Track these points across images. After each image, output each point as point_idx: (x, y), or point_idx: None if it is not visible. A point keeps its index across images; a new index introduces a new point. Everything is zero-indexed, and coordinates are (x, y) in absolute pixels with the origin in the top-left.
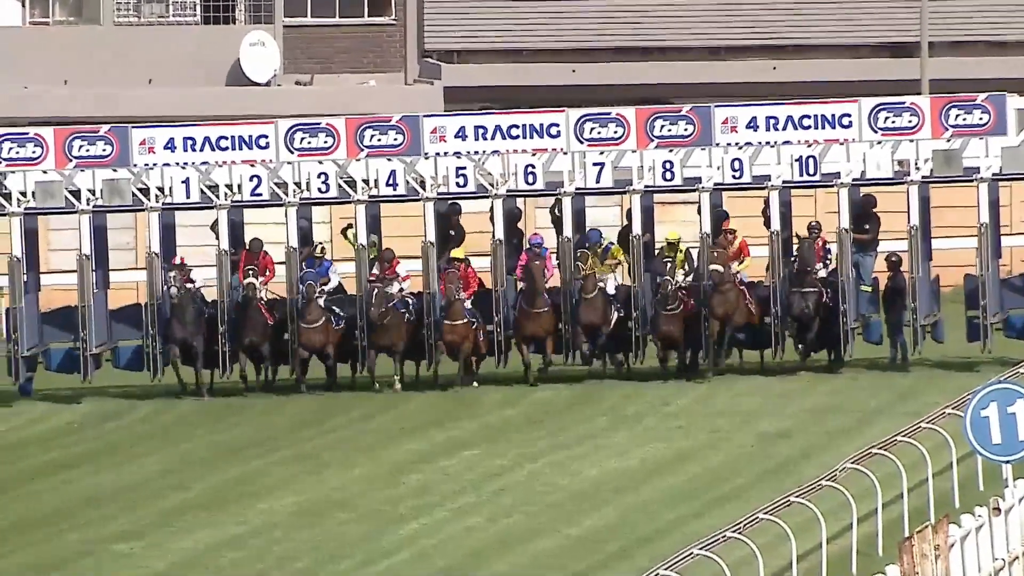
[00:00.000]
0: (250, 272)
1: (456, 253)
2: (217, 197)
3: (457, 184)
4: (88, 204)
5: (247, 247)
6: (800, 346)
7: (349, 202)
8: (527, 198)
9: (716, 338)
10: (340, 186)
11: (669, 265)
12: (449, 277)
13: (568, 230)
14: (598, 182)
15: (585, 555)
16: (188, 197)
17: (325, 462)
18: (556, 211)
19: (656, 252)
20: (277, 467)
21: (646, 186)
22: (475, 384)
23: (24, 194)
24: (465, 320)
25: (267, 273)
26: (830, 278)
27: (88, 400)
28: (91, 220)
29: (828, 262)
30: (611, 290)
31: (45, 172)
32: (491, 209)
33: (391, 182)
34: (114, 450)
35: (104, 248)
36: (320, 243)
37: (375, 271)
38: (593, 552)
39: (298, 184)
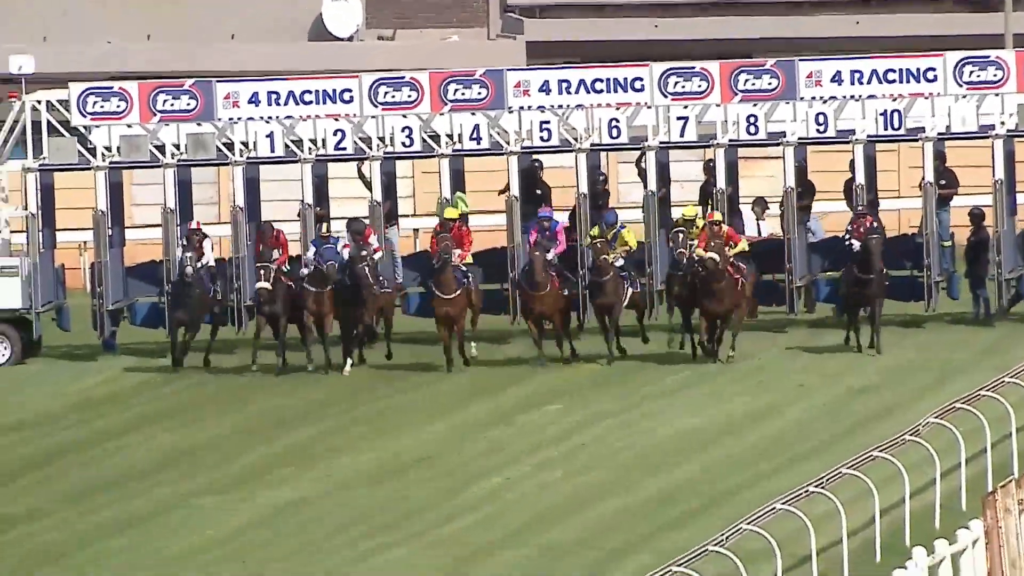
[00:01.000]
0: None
1: (450, 213)
2: (301, 151)
3: (541, 138)
4: (172, 158)
5: (259, 229)
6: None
7: (433, 156)
8: (611, 152)
9: (708, 334)
10: (424, 140)
11: (681, 236)
12: (440, 240)
13: (652, 184)
14: (682, 136)
15: (664, 511)
16: (272, 151)
17: (402, 422)
18: (641, 164)
19: (673, 227)
20: (355, 426)
21: (730, 140)
22: (473, 349)
23: (109, 148)
24: (458, 292)
25: (281, 253)
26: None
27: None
28: (175, 174)
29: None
30: (619, 263)
31: (130, 126)
32: (575, 164)
33: (475, 136)
34: (193, 408)
35: (188, 202)
36: (325, 220)
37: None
38: (673, 507)
39: (382, 138)
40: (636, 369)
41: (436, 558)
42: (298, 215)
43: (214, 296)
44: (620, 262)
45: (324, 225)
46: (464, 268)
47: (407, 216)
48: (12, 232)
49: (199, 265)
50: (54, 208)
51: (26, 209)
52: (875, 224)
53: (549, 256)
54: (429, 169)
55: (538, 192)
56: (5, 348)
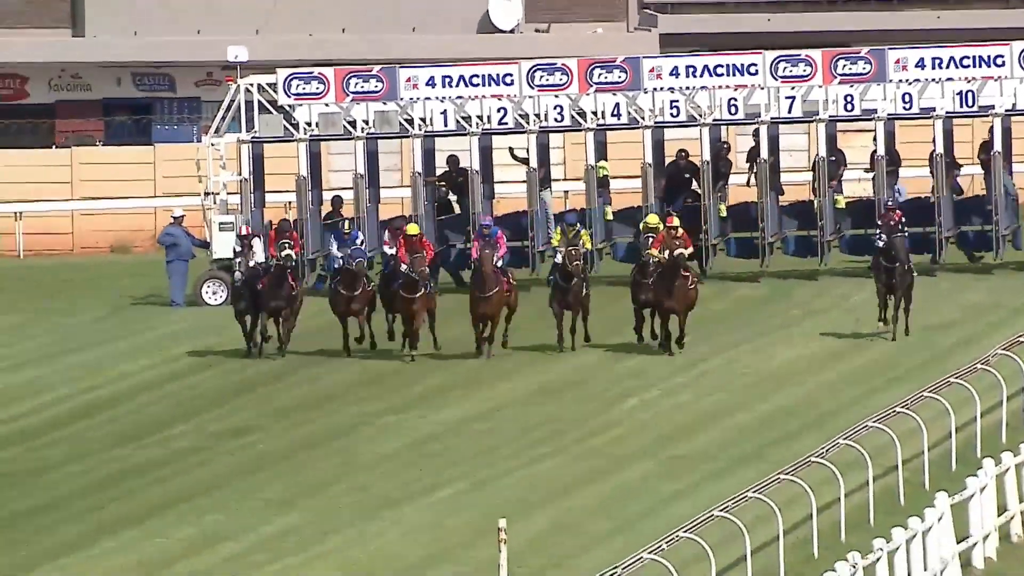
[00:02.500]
0: (285, 245)
1: (412, 230)
2: (469, 125)
3: (671, 115)
4: (362, 132)
5: (275, 227)
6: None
7: (580, 130)
8: (730, 126)
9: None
10: (572, 116)
11: (651, 240)
12: (415, 262)
13: (764, 153)
14: (789, 112)
15: (776, 427)
16: (445, 126)
17: (558, 353)
18: (755, 137)
19: (639, 231)
20: (514, 355)
21: (830, 116)
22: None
23: (309, 124)
24: (423, 292)
25: (293, 246)
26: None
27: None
28: (365, 146)
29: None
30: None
31: (327, 105)
32: (700, 136)
33: (615, 113)
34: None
35: (375, 169)
36: (347, 218)
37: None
38: (784, 424)
39: (537, 115)
40: (760, 304)
41: (580, 468)
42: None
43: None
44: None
45: (346, 223)
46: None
47: (558, 180)
48: (229, 194)
49: (252, 264)
50: (263, 174)
51: (240, 175)
52: (902, 220)
53: (497, 263)
54: (577, 141)
55: (719, 169)
56: (223, 291)
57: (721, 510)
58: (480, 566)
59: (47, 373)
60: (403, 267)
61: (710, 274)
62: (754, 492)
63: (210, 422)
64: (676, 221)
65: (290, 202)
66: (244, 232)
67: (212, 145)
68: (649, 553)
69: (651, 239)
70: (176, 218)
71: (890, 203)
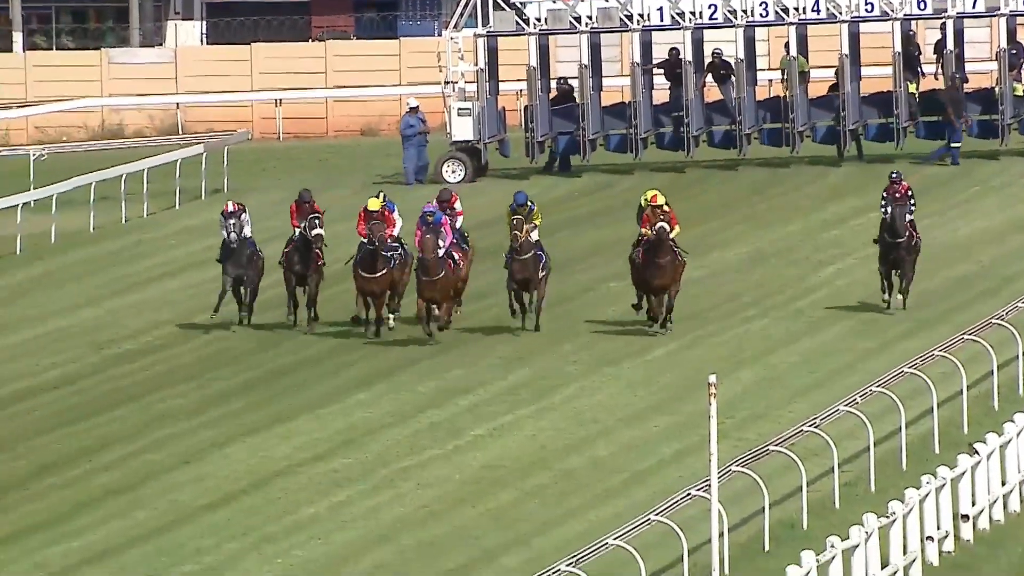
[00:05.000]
0: (316, 222)
1: (373, 204)
2: (683, 20)
3: (865, 10)
4: (586, 26)
5: (297, 198)
6: None
7: (783, 24)
8: (918, 20)
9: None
10: (776, 12)
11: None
12: (373, 228)
13: (950, 44)
14: (974, 7)
15: (960, 293)
16: (661, 20)
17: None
18: (942, 30)
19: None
20: (735, 226)
21: (1011, 10)
22: (392, 322)
23: (539, 19)
24: (384, 271)
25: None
26: None
27: (588, 175)
28: (588, 39)
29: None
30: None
31: (555, 2)
32: (892, 30)
33: (815, 8)
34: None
35: (598, 60)
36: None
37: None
38: (967, 290)
39: (744, 11)
40: (946, 181)
41: (784, 328)
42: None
43: (260, 258)
44: (536, 235)
45: (382, 194)
46: (395, 247)
47: (763, 70)
48: (466, 83)
49: (244, 237)
50: (497, 64)
51: (476, 65)
52: (909, 191)
53: (440, 251)
54: (780, 35)
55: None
56: (461, 170)
57: (910, 367)
58: (691, 417)
59: None
60: (362, 241)
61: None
62: (940, 351)
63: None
64: (661, 199)
65: (520, 90)
66: (232, 208)
67: (451, 39)
68: (845, 406)
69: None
70: (412, 108)
71: (894, 175)
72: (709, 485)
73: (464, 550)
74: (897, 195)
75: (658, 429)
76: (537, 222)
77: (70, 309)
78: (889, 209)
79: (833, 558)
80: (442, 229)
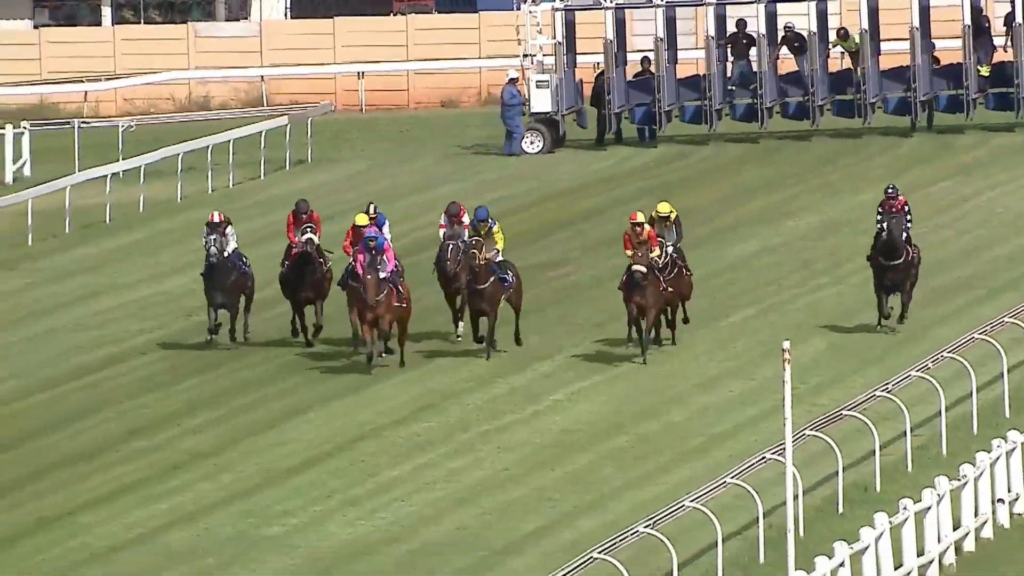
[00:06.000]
0: (307, 229)
1: (361, 220)
2: None
3: None
4: (662, 0)
5: (294, 208)
6: None
7: None
8: None
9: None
10: None
11: (661, 243)
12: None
13: (1019, 16)
14: None
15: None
16: None
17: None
18: (1011, 2)
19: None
20: (802, 195)
21: None
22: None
23: None
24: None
25: (315, 230)
26: None
27: (664, 145)
28: (664, 12)
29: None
30: (499, 259)
31: None
32: (961, 2)
33: None
34: None
35: (673, 33)
36: (371, 202)
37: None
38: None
39: None
40: (1006, 155)
41: (857, 297)
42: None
43: (247, 276)
44: (499, 256)
45: (372, 206)
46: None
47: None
48: (544, 56)
49: (227, 252)
50: (575, 37)
51: (555, 39)
52: (906, 207)
53: (382, 275)
54: (852, 7)
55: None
56: (539, 141)
57: (981, 333)
58: (765, 382)
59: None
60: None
61: (974, 123)
62: (1010, 317)
63: (532, 254)
64: (640, 217)
65: (597, 63)
66: (217, 220)
67: (530, 12)
68: (916, 371)
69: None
70: (512, 79)
71: (890, 191)
72: (784, 449)
73: (542, 512)
74: (893, 210)
75: (733, 394)
76: (499, 246)
77: (158, 277)
78: (884, 225)
79: (906, 520)
80: (383, 256)
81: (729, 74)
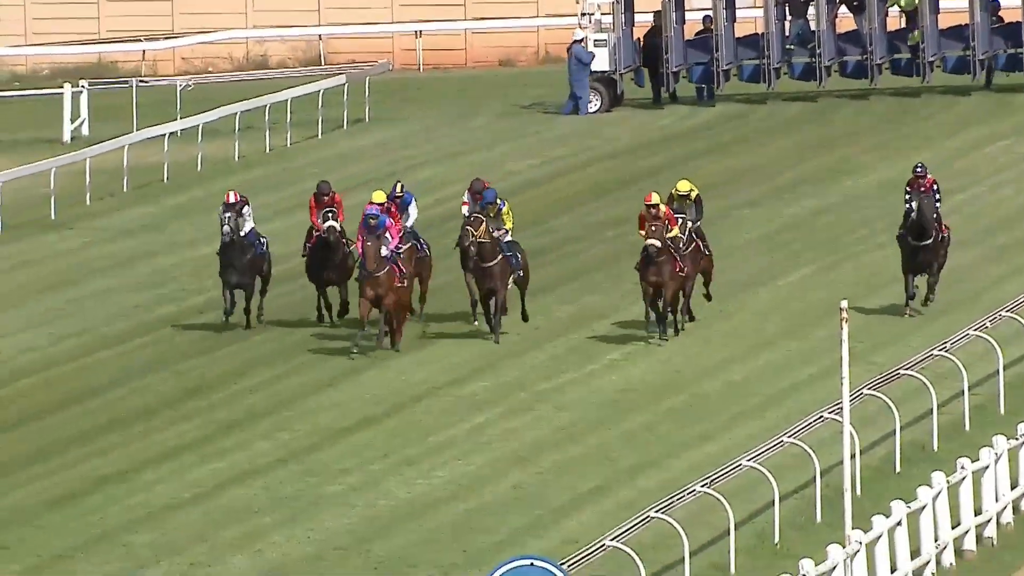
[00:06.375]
0: (329, 215)
1: (378, 197)
2: None
3: None
4: None
5: (315, 190)
6: None
7: None
8: None
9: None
10: None
11: (681, 220)
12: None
13: None
14: None
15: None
16: None
17: None
18: None
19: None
20: (860, 155)
21: None
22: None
23: None
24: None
25: (337, 215)
26: None
27: (722, 104)
28: None
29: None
30: (508, 238)
31: None
32: None
33: None
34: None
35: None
36: (399, 180)
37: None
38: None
39: None
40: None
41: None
42: None
43: (263, 256)
44: (508, 236)
45: (399, 185)
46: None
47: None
48: (602, 15)
49: (243, 232)
50: None
51: None
52: (935, 186)
53: (384, 252)
54: None
55: None
56: (597, 100)
57: None
58: (823, 342)
59: (449, 170)
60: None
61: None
62: None
63: (590, 213)
64: (655, 198)
65: (654, 21)
66: (233, 200)
67: None
68: (974, 330)
69: (681, 218)
70: (578, 40)
71: (919, 168)
72: (841, 408)
73: (600, 471)
74: (922, 189)
75: (790, 353)
76: (508, 225)
77: (216, 236)
78: (914, 204)
79: (963, 479)
80: (386, 234)
81: (787, 32)
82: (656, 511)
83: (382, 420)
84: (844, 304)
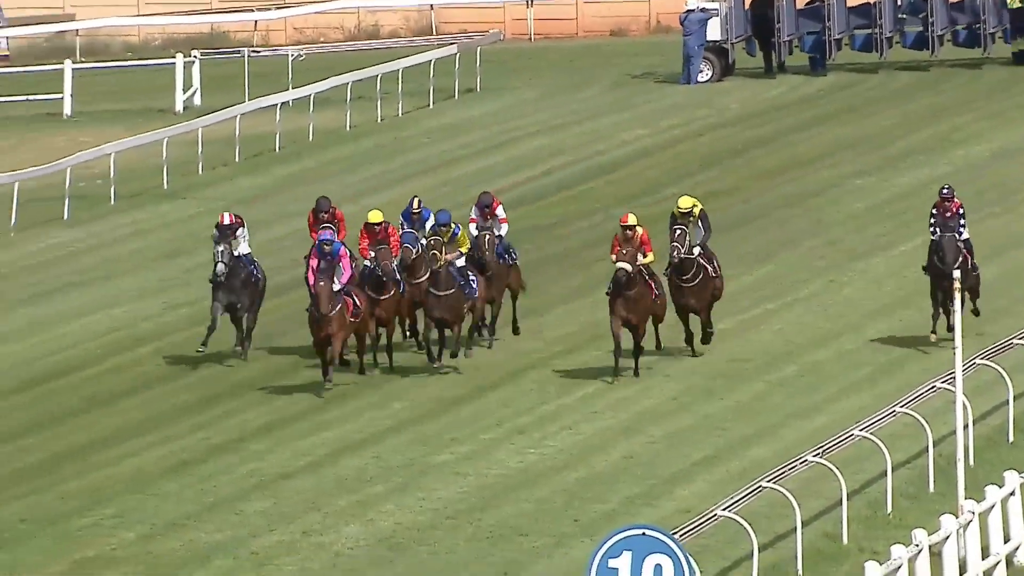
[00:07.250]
0: (327, 231)
1: (374, 217)
2: None
3: None
4: None
5: (314, 206)
6: None
7: None
8: None
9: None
10: None
11: (679, 232)
12: (381, 253)
13: None
14: None
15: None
16: None
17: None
18: None
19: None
20: (975, 123)
21: None
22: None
23: None
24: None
25: (338, 231)
26: None
27: (834, 73)
28: None
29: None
30: (460, 263)
31: None
32: None
33: None
34: None
35: None
36: (415, 196)
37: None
38: None
39: None
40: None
41: None
42: None
43: (257, 281)
44: (461, 261)
45: (416, 201)
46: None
47: None
48: None
49: (237, 254)
50: None
51: None
52: (960, 210)
53: (335, 286)
54: None
55: None
56: (709, 70)
57: None
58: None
59: (560, 140)
60: (365, 262)
61: None
62: None
63: (704, 183)
64: (632, 219)
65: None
66: (228, 221)
67: None
68: None
69: (679, 231)
70: (691, 10)
71: (945, 191)
72: (954, 378)
73: (711, 441)
74: (948, 214)
75: (903, 323)
76: (463, 248)
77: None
78: (938, 231)
79: None
80: (339, 264)
81: (899, 2)
82: (768, 481)
83: (493, 390)
84: (957, 274)
